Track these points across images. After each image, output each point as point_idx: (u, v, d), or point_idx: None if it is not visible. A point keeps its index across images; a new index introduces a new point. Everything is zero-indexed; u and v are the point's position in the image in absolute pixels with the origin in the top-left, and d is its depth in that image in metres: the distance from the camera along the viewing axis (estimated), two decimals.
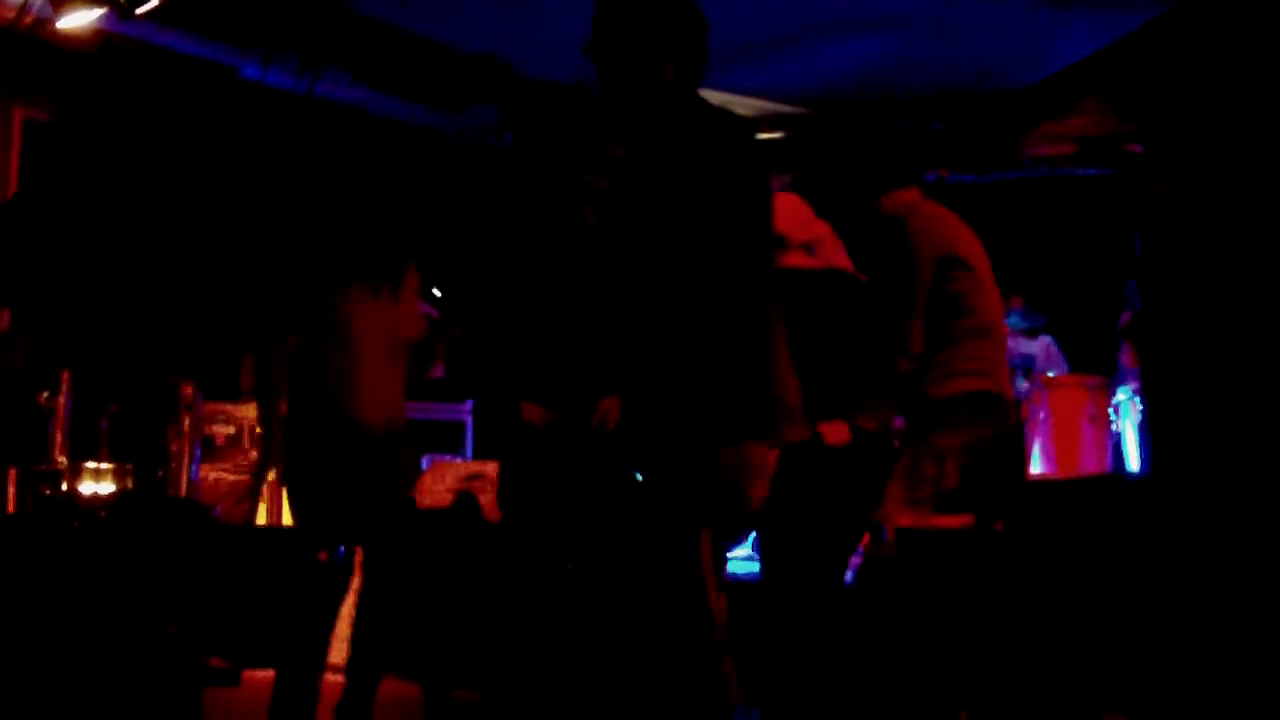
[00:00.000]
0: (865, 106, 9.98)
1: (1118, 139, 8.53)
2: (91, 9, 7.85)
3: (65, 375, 5.33)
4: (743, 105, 10.38)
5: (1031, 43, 9.01)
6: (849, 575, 5.77)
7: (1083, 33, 8.64)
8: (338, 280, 5.87)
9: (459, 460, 8.84)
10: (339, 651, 6.11)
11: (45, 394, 5.19)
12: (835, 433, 5.38)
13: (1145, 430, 7.89)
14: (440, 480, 7.84)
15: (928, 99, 9.97)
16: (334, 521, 5.78)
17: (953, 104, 10.03)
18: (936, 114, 10.12)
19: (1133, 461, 8.46)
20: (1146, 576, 4.23)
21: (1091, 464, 8.28)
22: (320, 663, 5.91)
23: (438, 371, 9.62)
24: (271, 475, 7.69)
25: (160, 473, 5.29)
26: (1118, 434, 8.58)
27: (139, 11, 7.78)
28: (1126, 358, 9.09)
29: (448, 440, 9.32)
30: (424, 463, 9.01)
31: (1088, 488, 5.17)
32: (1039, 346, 10.03)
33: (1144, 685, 4.10)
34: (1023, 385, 9.02)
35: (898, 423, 5.56)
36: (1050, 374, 9.51)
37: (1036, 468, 8.53)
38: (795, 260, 5.64)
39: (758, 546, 5.80)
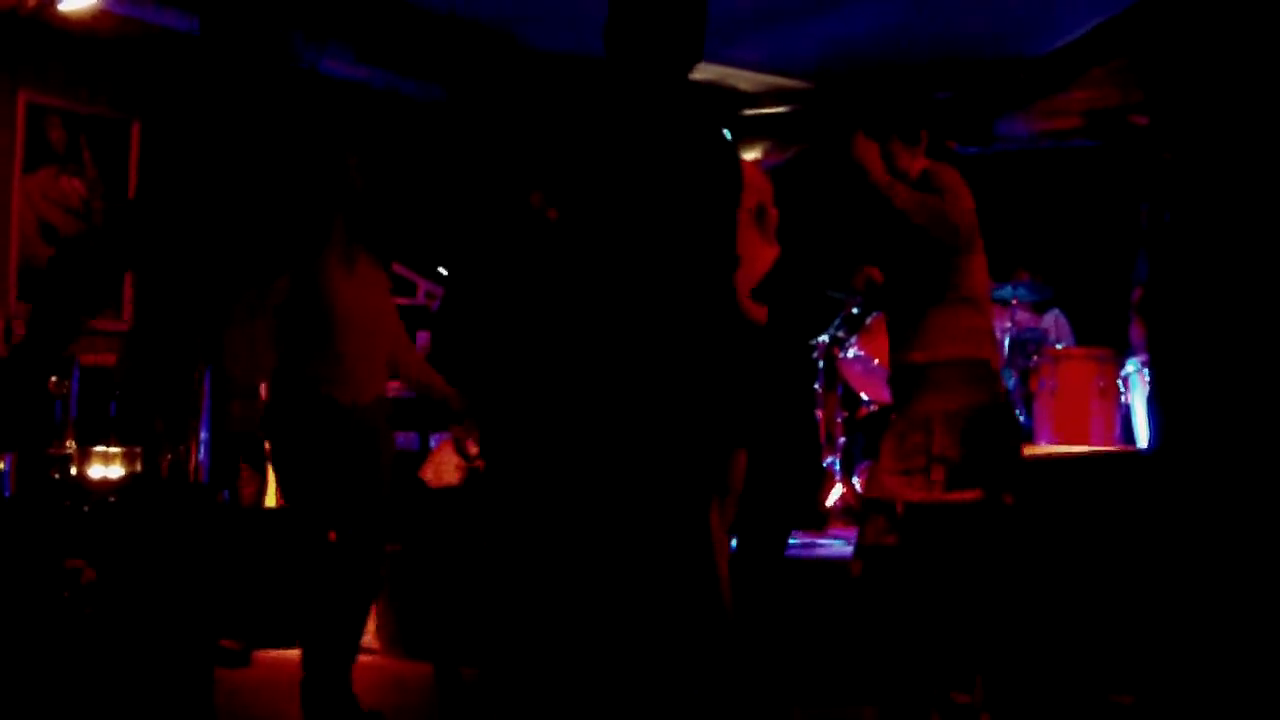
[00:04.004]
0: (869, 78, 9.93)
1: (1123, 111, 8.46)
2: None
3: (75, 360, 5.33)
4: (745, 79, 10.36)
5: (1038, 11, 8.99)
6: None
7: (1089, 2, 8.62)
8: (320, 257, 5.87)
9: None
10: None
11: (55, 378, 5.19)
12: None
13: (1153, 403, 7.85)
14: (449, 458, 7.82)
15: (932, 69, 9.94)
16: (328, 502, 5.77)
17: (958, 73, 10.00)
18: (942, 83, 10.09)
19: (1141, 435, 8.44)
20: (1155, 553, 4.22)
21: (1100, 437, 8.24)
22: (349, 643, 5.93)
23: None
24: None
25: (169, 456, 5.28)
26: (1127, 407, 8.56)
27: None
28: (1136, 332, 9.06)
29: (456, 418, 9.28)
30: (433, 441, 9.00)
31: (1097, 463, 5.14)
32: (1048, 321, 9.99)
33: (1152, 666, 4.09)
34: (1032, 359, 8.99)
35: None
36: (1059, 346, 9.48)
37: (1044, 440, 8.50)
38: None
39: None
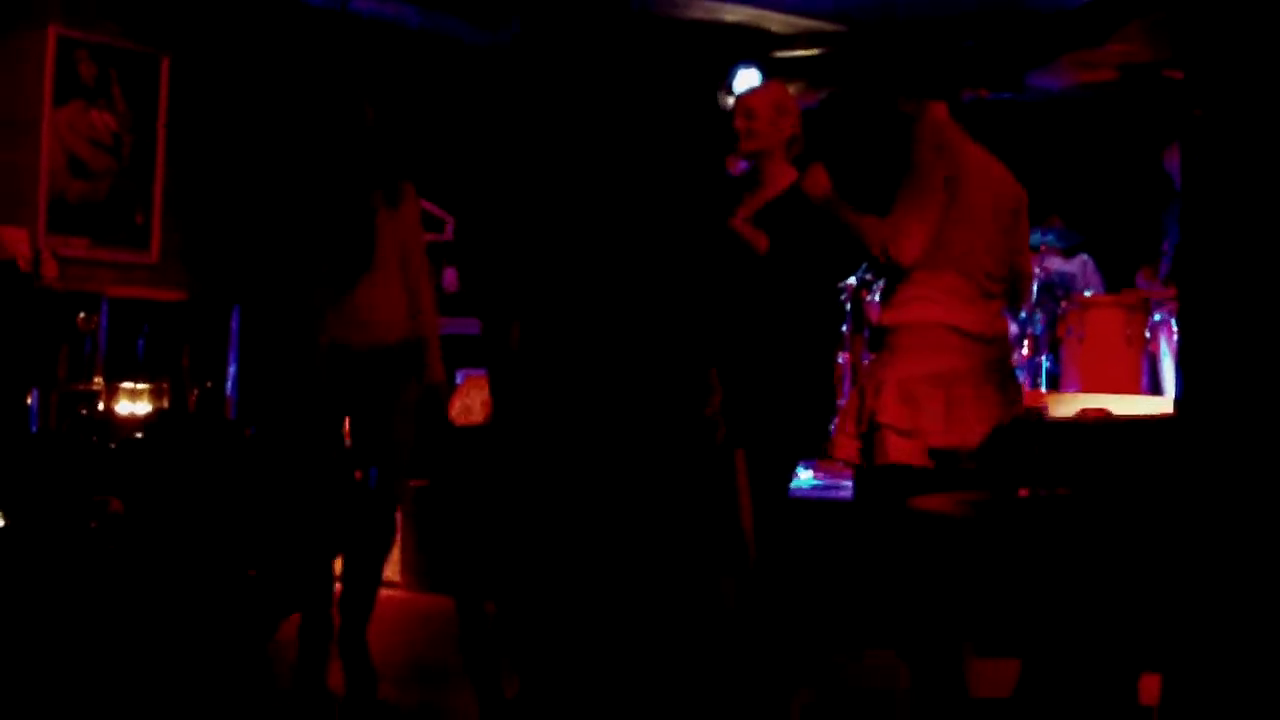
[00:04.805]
0: (902, 22, 9.88)
1: (1157, 65, 8.34)
2: None
3: (104, 295, 5.31)
4: (777, 21, 10.31)
5: None
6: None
7: None
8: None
9: None
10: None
11: (83, 315, 5.18)
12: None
13: (1180, 354, 7.83)
14: (474, 395, 7.84)
15: (966, 14, 9.87)
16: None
17: (992, 20, 9.94)
18: (975, 30, 10.03)
19: (1168, 383, 8.43)
20: (1182, 522, 4.20)
21: (1126, 385, 8.24)
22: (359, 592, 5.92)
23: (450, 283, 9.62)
24: None
25: (196, 391, 5.28)
26: (1154, 355, 8.55)
27: None
28: (1142, 276, 9.04)
29: (480, 354, 9.26)
30: (458, 377, 9.02)
31: (1117, 430, 5.08)
32: (1077, 265, 9.96)
33: (1183, 642, 4.07)
34: (1060, 305, 8.98)
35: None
36: (1087, 293, 9.45)
37: (1071, 387, 8.50)
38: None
39: None
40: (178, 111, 9.38)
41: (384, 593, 6.22)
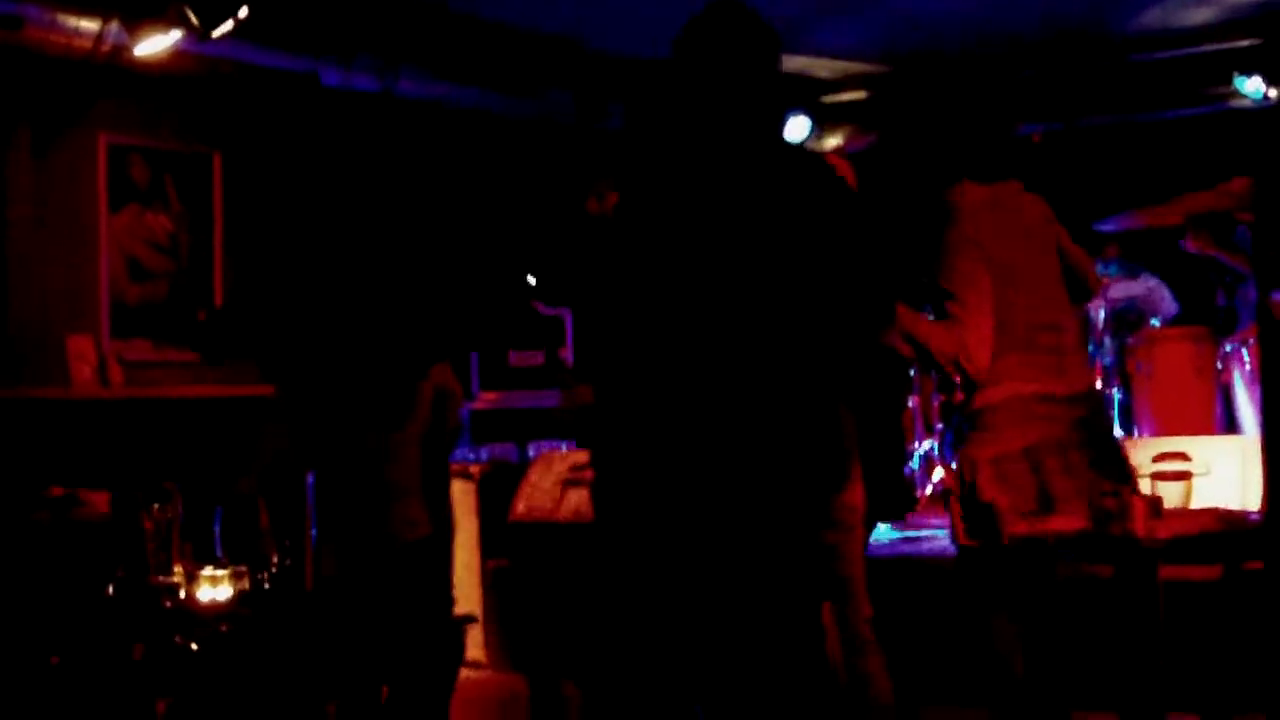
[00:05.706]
0: (951, 58, 9.83)
1: (1231, 211, 8.14)
2: (167, 33, 7.85)
3: (174, 487, 5.25)
4: (823, 67, 10.30)
5: None
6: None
7: None
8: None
9: (565, 449, 8.79)
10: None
11: (157, 505, 5.13)
12: None
13: (1257, 382, 7.68)
14: (548, 472, 7.78)
15: (1017, 46, 9.83)
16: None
17: (1044, 49, 9.89)
18: (1028, 60, 9.98)
19: (1243, 414, 8.27)
20: None
21: (1199, 421, 8.10)
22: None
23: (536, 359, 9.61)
24: None
25: (276, 563, 5.23)
26: (1227, 386, 8.40)
27: (215, 34, 7.79)
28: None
29: (555, 427, 9.26)
30: (531, 451, 9.00)
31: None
32: (1142, 287, 9.82)
33: None
34: (1129, 339, 8.87)
35: None
36: (1155, 321, 9.34)
37: (1146, 428, 8.38)
38: None
39: None
40: (233, 206, 9.45)
41: (466, 672, 6.24)
